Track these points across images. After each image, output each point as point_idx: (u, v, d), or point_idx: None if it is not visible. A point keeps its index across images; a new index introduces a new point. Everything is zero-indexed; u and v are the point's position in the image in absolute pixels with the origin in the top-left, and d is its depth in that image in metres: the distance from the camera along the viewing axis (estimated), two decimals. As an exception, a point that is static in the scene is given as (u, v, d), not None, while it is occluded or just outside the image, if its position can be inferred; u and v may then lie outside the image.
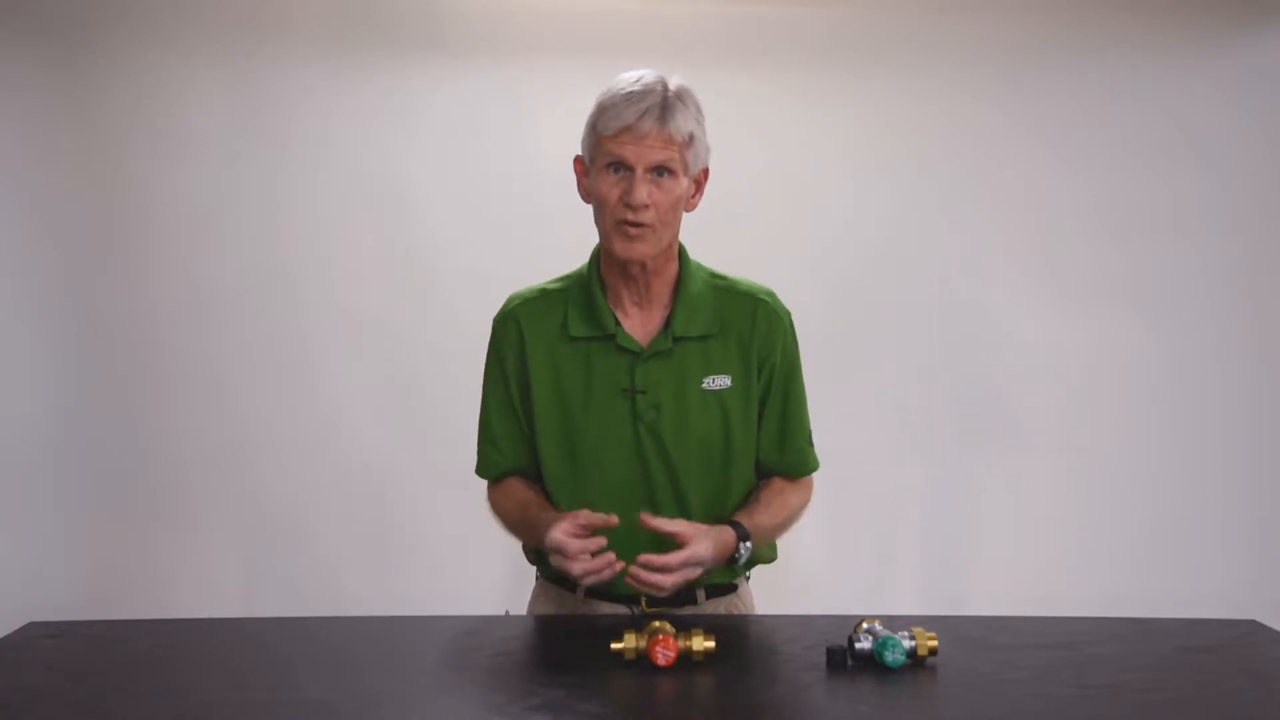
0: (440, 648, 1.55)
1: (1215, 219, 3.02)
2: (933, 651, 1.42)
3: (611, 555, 1.51)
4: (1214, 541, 3.00)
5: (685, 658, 1.40)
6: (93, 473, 2.89)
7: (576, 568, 1.51)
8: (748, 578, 1.79)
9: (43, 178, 2.86)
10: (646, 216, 1.58)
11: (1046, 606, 1.80)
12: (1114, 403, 3.02)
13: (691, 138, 1.59)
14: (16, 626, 1.59)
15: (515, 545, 1.82)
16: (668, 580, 1.52)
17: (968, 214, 3.01)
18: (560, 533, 1.52)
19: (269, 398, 2.91)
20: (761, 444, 1.72)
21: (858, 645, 1.42)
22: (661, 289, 1.68)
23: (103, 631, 1.61)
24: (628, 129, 1.56)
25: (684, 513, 1.65)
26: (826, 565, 2.88)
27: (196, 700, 1.32)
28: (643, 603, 1.66)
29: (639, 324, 1.68)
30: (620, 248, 1.60)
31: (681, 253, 1.70)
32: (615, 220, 1.59)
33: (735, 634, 1.59)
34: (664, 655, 1.38)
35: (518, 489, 1.74)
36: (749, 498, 1.72)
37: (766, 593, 1.83)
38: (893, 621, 1.46)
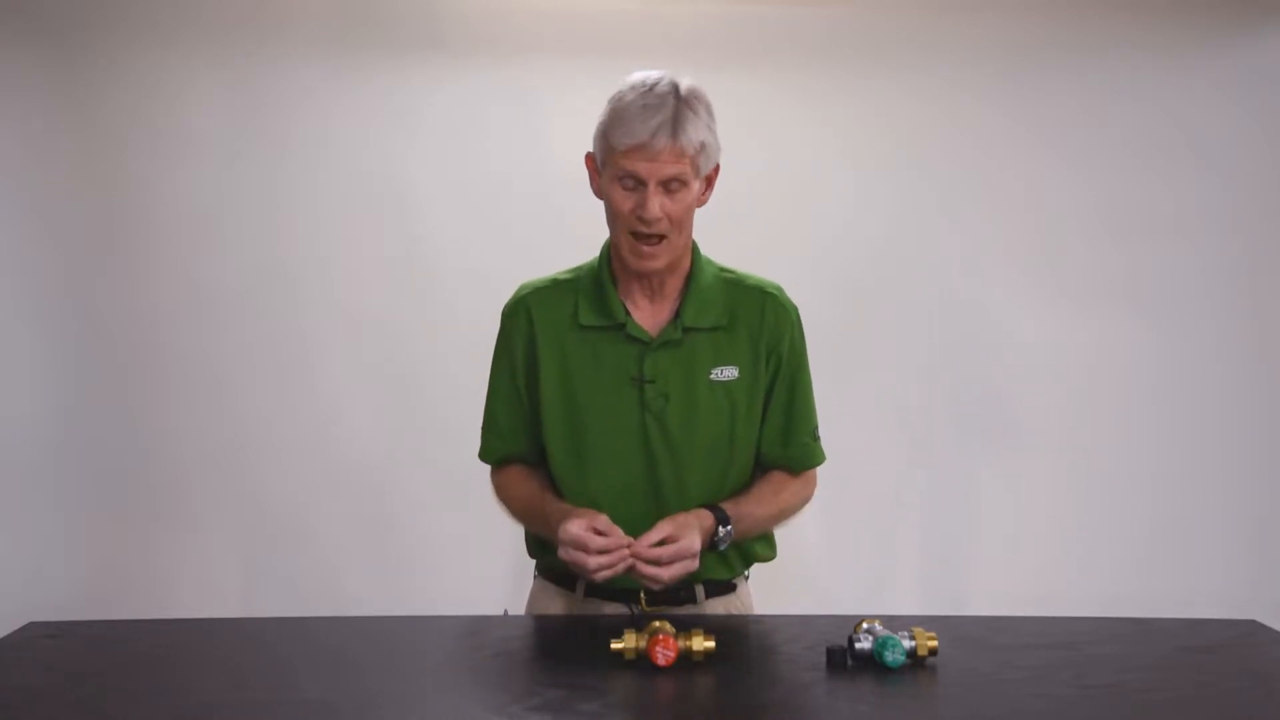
0: (440, 648, 1.55)
1: (1215, 219, 3.02)
2: (933, 651, 1.42)
3: (625, 551, 1.52)
4: (1214, 541, 3.01)
5: (685, 658, 1.40)
6: (93, 473, 2.89)
7: (593, 562, 1.52)
8: (746, 577, 1.79)
9: (43, 178, 2.86)
10: (660, 228, 1.59)
11: (1046, 606, 1.80)
12: (1114, 403, 3.02)
13: (703, 145, 1.59)
14: (16, 626, 1.59)
15: (515, 545, 1.82)
16: (664, 574, 1.53)
17: (968, 214, 3.01)
18: (578, 528, 1.54)
19: (269, 398, 2.91)
20: (765, 436, 1.73)
21: (858, 645, 1.42)
22: (672, 282, 1.69)
23: (103, 631, 1.61)
24: (640, 147, 1.55)
25: (685, 501, 1.65)
26: (826, 565, 2.89)
27: (196, 700, 1.32)
28: (642, 601, 1.66)
29: (649, 314, 1.69)
30: (634, 262, 1.63)
31: (693, 247, 1.72)
32: (628, 231, 1.61)
33: (735, 634, 1.59)
34: (664, 655, 1.38)
35: (525, 477, 1.75)
36: (751, 485, 1.73)
37: (766, 592, 1.83)
38: (893, 621, 1.46)
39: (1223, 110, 3.01)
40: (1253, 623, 1.65)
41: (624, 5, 2.91)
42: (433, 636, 1.60)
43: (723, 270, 1.74)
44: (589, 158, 1.68)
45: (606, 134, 1.59)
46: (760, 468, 1.76)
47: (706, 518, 1.62)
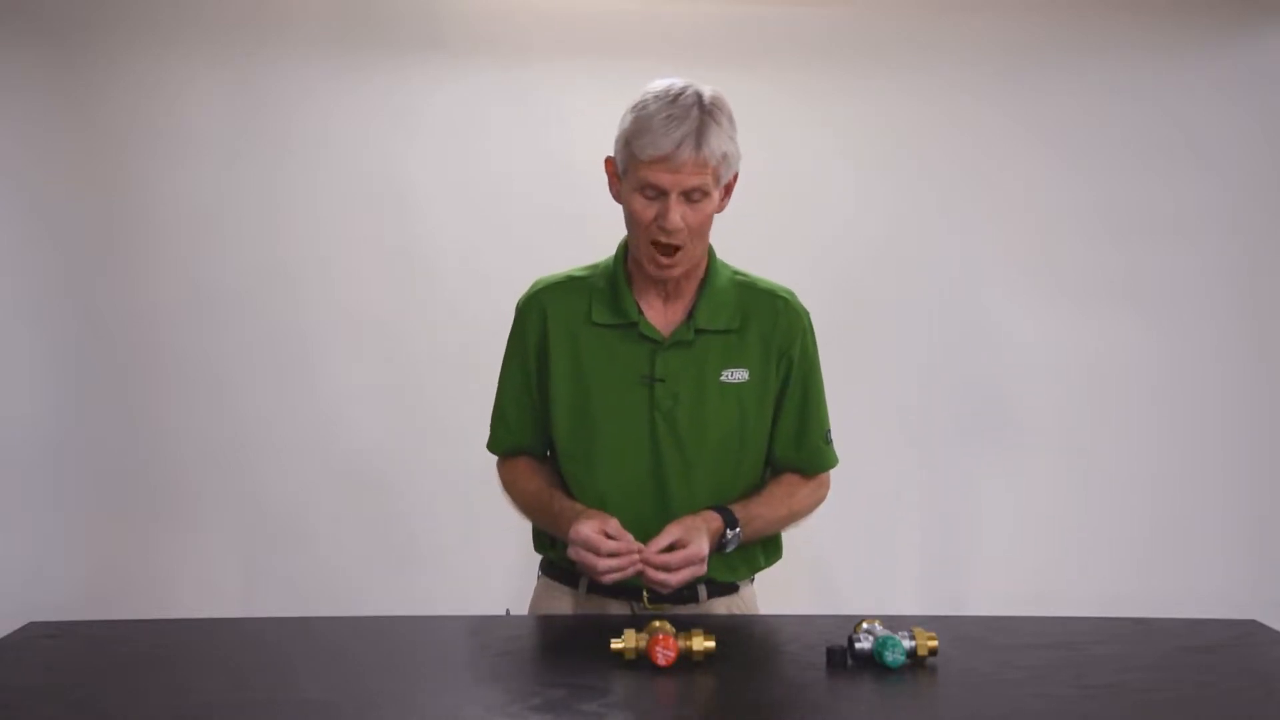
0: (440, 647, 1.55)
1: (1215, 219, 3.02)
2: (933, 651, 1.42)
3: (635, 556, 1.54)
4: (1214, 541, 3.01)
5: (685, 658, 1.40)
6: (93, 473, 2.89)
7: (602, 564, 1.53)
8: (751, 580, 1.79)
9: (43, 178, 2.86)
10: (680, 238, 1.60)
11: (1046, 606, 1.81)
12: (1114, 403, 3.02)
13: (725, 156, 1.59)
14: (16, 626, 1.59)
15: (517, 543, 1.82)
16: (672, 579, 1.54)
17: (968, 214, 3.01)
18: (590, 530, 1.55)
19: (269, 398, 2.91)
20: (778, 439, 1.74)
21: (858, 645, 1.42)
22: (687, 283, 1.70)
23: (103, 631, 1.60)
24: (665, 159, 1.55)
25: (692, 500, 1.66)
26: (827, 565, 2.89)
27: (196, 700, 1.32)
28: (645, 600, 1.66)
29: (661, 314, 1.70)
30: (653, 271, 1.64)
31: (709, 249, 1.72)
32: (648, 240, 1.61)
33: (735, 634, 1.59)
34: (664, 655, 1.38)
35: (532, 471, 1.76)
36: (763, 487, 1.74)
37: (767, 592, 1.83)
38: (893, 621, 1.46)
39: (1223, 110, 3.01)
40: (1253, 623, 1.65)
41: (624, 5, 2.91)
42: (433, 636, 1.60)
43: (737, 273, 1.75)
44: (609, 161, 1.67)
45: (629, 143, 1.58)
46: (773, 470, 1.78)
47: (715, 520, 1.63)
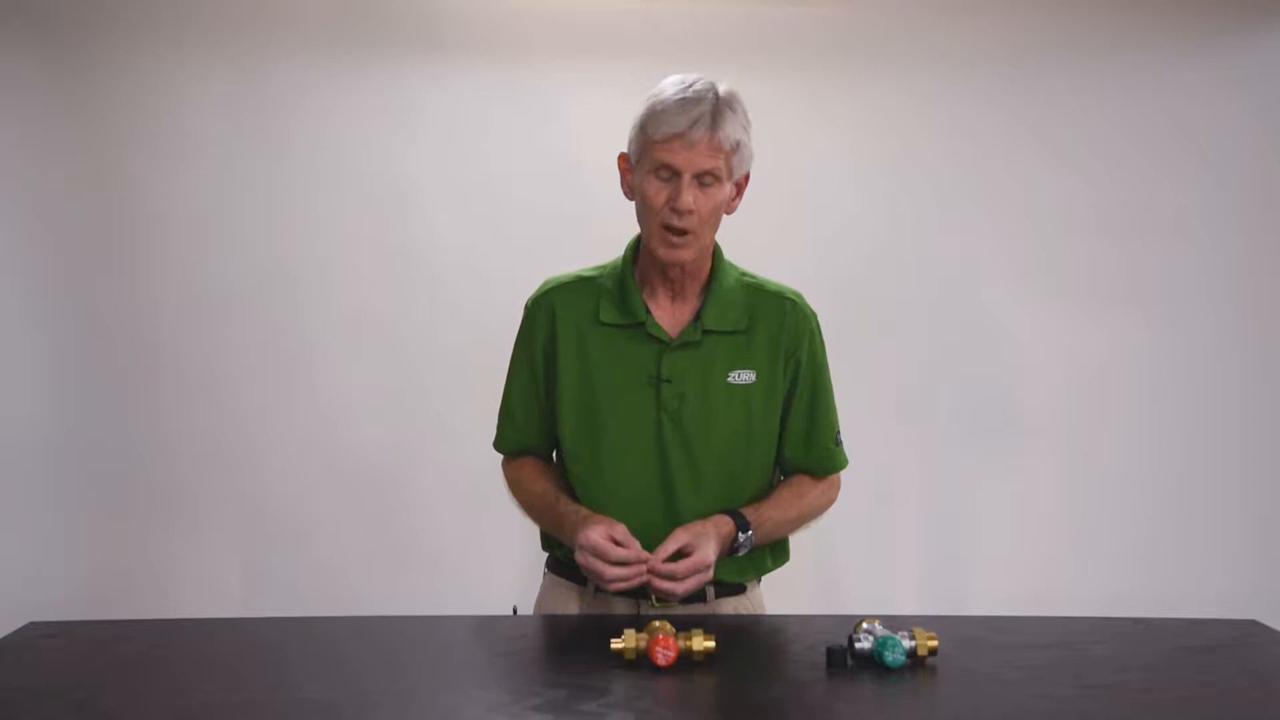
0: (441, 647, 1.55)
1: (1215, 219, 3.02)
2: (933, 651, 1.42)
3: (642, 567, 1.55)
4: (1214, 541, 3.01)
5: (685, 658, 1.40)
6: (93, 473, 2.89)
7: (610, 573, 1.54)
8: (758, 581, 1.79)
9: (43, 178, 2.86)
10: (690, 222, 1.60)
11: (1047, 606, 1.81)
12: (1114, 402, 3.02)
13: (738, 145, 1.61)
14: (16, 626, 1.59)
15: (522, 542, 1.82)
16: (679, 588, 1.55)
17: (968, 214, 3.01)
18: (598, 535, 1.56)
19: (269, 398, 2.91)
20: (788, 441, 1.74)
21: (858, 645, 1.42)
22: (695, 283, 1.71)
23: (103, 631, 1.60)
24: (679, 136, 1.57)
25: (699, 502, 1.66)
26: (827, 565, 2.89)
27: (196, 700, 1.32)
28: (652, 599, 1.66)
29: (669, 315, 1.70)
30: (663, 252, 1.63)
31: (716, 250, 1.73)
32: (660, 224, 1.61)
33: (735, 634, 1.59)
34: (664, 655, 1.38)
35: (539, 473, 1.77)
36: (774, 490, 1.75)
37: (768, 592, 1.83)
38: (893, 621, 1.46)
39: (1223, 110, 3.01)
40: (1253, 623, 1.65)
41: (624, 5, 2.91)
42: (433, 636, 1.60)
43: (744, 275, 1.75)
44: (622, 158, 1.68)
45: (644, 127, 1.60)
46: (783, 472, 1.78)
47: (725, 524, 1.63)
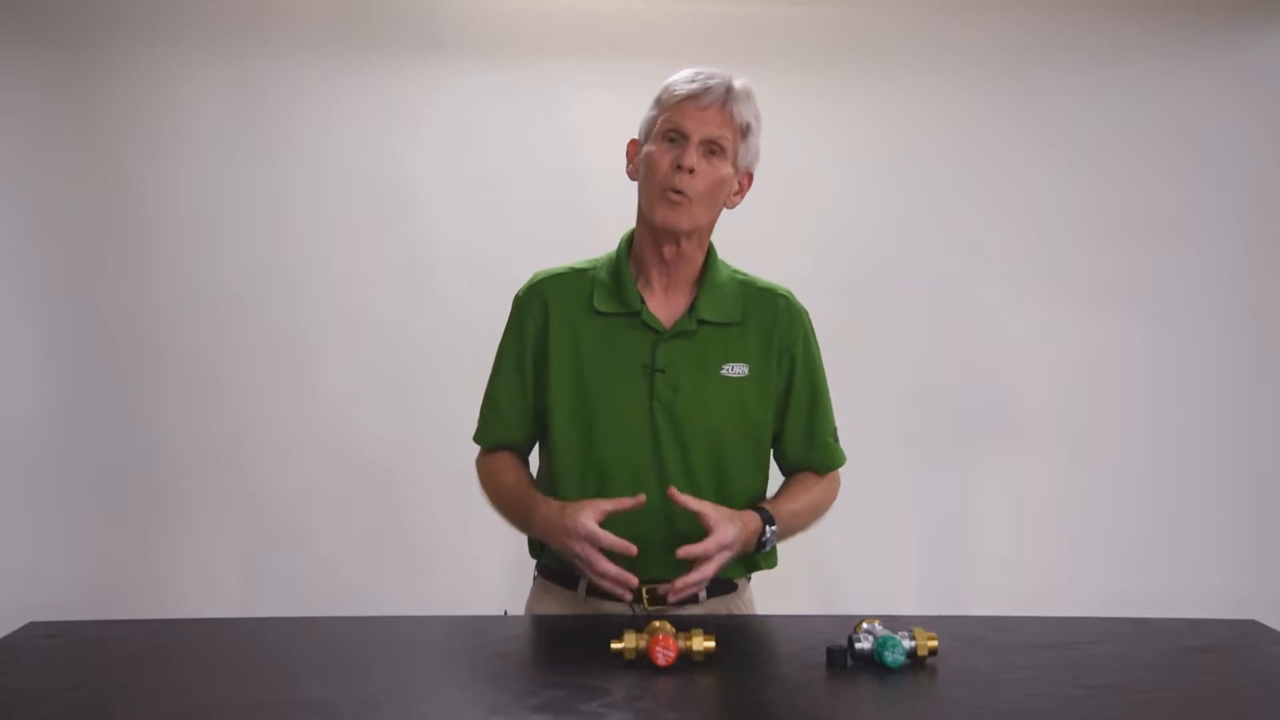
0: (440, 648, 1.55)
1: (1215, 219, 3.02)
2: (933, 651, 1.42)
3: (633, 578, 1.55)
4: (1214, 541, 3.01)
5: (685, 658, 1.40)
6: (93, 473, 2.89)
7: (601, 566, 1.54)
8: (748, 578, 1.79)
9: (43, 178, 2.86)
10: (691, 185, 1.61)
11: (1046, 606, 1.80)
12: (1114, 402, 3.02)
13: (748, 128, 1.65)
14: (16, 626, 1.59)
15: (515, 545, 1.82)
16: (710, 569, 1.55)
17: (968, 214, 3.01)
18: (592, 523, 1.55)
19: (269, 398, 2.91)
20: (789, 439, 1.75)
21: (858, 645, 1.42)
22: (689, 274, 1.71)
23: (103, 631, 1.60)
24: (693, 98, 1.62)
25: (691, 493, 1.65)
26: (827, 565, 2.89)
27: (196, 700, 1.32)
28: (644, 600, 1.66)
29: (664, 305, 1.70)
30: (662, 213, 1.63)
31: (710, 246, 1.74)
32: (662, 188, 1.62)
33: (735, 634, 1.59)
34: (664, 655, 1.38)
35: (513, 465, 1.76)
36: (779, 488, 1.75)
37: (767, 592, 1.83)
38: (893, 621, 1.46)
39: (1223, 110, 3.01)
40: (1253, 623, 1.65)
41: (624, 5, 2.91)
42: (433, 636, 1.60)
43: (736, 272, 1.76)
44: (632, 143, 1.71)
45: (659, 99, 1.66)
46: (785, 470, 1.79)
47: (754, 519, 1.63)
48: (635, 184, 1.70)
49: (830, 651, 1.42)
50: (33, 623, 1.61)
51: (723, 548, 1.56)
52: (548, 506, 1.63)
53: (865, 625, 1.44)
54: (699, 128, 1.61)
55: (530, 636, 1.63)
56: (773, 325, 1.71)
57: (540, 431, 1.76)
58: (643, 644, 1.40)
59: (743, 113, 1.64)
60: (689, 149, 1.61)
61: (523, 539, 1.80)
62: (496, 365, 1.77)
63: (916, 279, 3.01)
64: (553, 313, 1.71)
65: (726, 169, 1.64)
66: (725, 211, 1.72)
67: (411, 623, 1.65)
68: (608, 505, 1.57)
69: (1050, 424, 3.01)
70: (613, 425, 1.67)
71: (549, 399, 1.70)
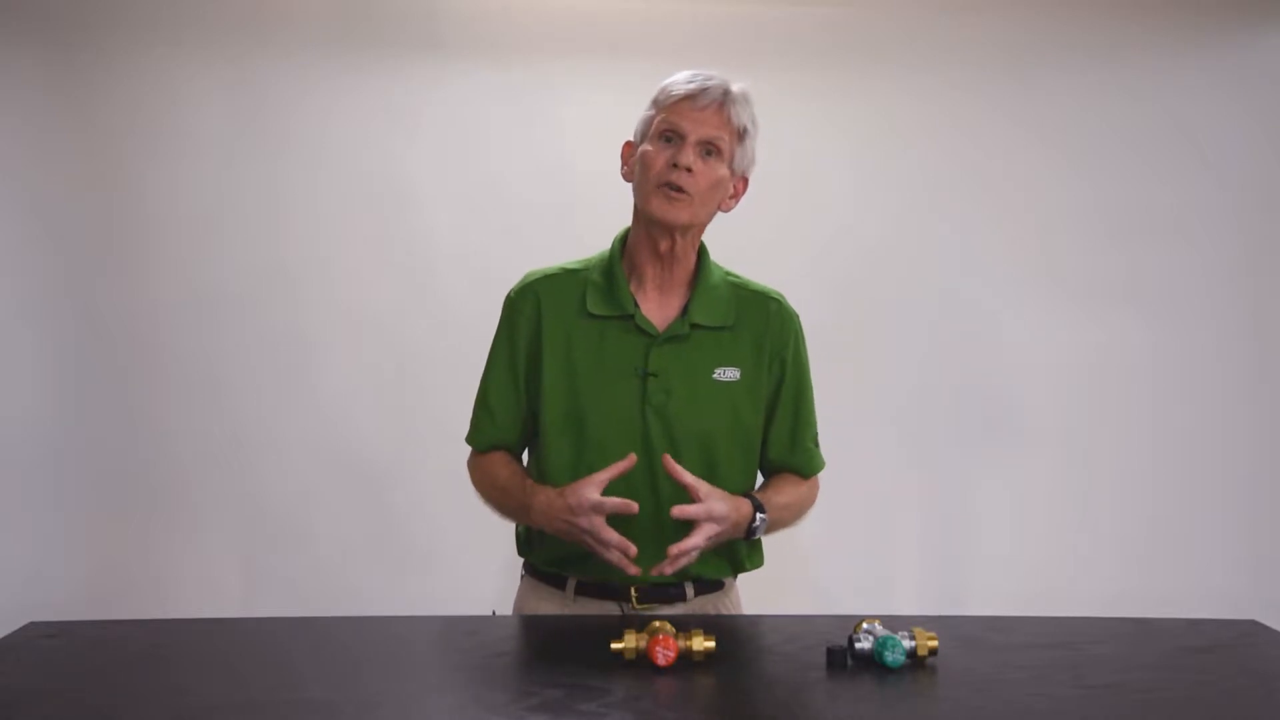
0: (440, 648, 1.55)
1: (1215, 219, 3.02)
2: (933, 651, 1.42)
3: (632, 546, 1.54)
4: (1214, 541, 3.00)
5: (685, 658, 1.40)
6: (93, 473, 2.89)
7: (606, 534, 1.54)
8: (735, 578, 1.79)
9: (43, 178, 2.86)
10: (688, 181, 1.61)
11: (1046, 606, 1.81)
12: (1114, 402, 3.02)
13: (745, 131, 1.65)
14: (16, 626, 1.59)
15: (507, 545, 1.82)
16: (699, 539, 1.54)
17: (968, 214, 3.01)
18: (596, 493, 1.54)
19: (269, 398, 2.91)
20: (773, 443, 1.75)
21: (858, 645, 1.42)
22: (682, 276, 1.71)
23: (103, 631, 1.60)
24: (690, 98, 1.62)
25: (681, 496, 1.64)
26: (826, 565, 2.89)
27: (196, 700, 1.32)
28: (633, 600, 1.66)
29: (657, 308, 1.70)
30: (658, 206, 1.63)
31: (702, 248, 1.74)
32: (658, 184, 1.62)
33: (735, 634, 1.59)
34: (664, 655, 1.38)
35: (506, 462, 1.75)
36: (763, 484, 1.76)
37: (766, 592, 1.84)
38: (893, 621, 1.46)
39: (1223, 110, 3.01)
40: (1253, 623, 1.65)
41: (624, 5, 2.91)
42: (432, 636, 1.60)
43: (728, 274, 1.76)
44: (626, 145, 1.71)
45: (656, 99, 1.66)
46: (766, 473, 1.79)
47: (745, 503, 1.64)
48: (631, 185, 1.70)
49: (830, 651, 1.42)
50: (33, 623, 1.61)
51: (712, 517, 1.56)
52: (545, 493, 1.63)
53: (865, 625, 1.44)
54: (695, 128, 1.61)
55: (530, 636, 1.63)
56: (764, 329, 1.71)
57: (532, 432, 1.76)
58: (643, 644, 1.40)
59: (740, 116, 1.64)
60: (686, 148, 1.61)
61: (512, 539, 1.80)
62: (489, 366, 1.77)
63: (916, 279, 3.00)
64: (545, 314, 1.70)
65: (723, 170, 1.64)
66: (726, 212, 1.71)
67: (412, 622, 1.66)
68: (602, 475, 1.56)
69: (1050, 424, 3.01)
70: (604, 429, 1.67)
71: (541, 401, 1.70)
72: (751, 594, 1.83)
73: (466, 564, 2.84)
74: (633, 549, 1.54)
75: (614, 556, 1.55)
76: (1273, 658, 1.53)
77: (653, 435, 1.66)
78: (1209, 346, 3.02)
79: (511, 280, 1.78)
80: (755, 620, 1.72)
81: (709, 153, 1.63)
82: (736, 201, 1.71)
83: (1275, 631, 1.62)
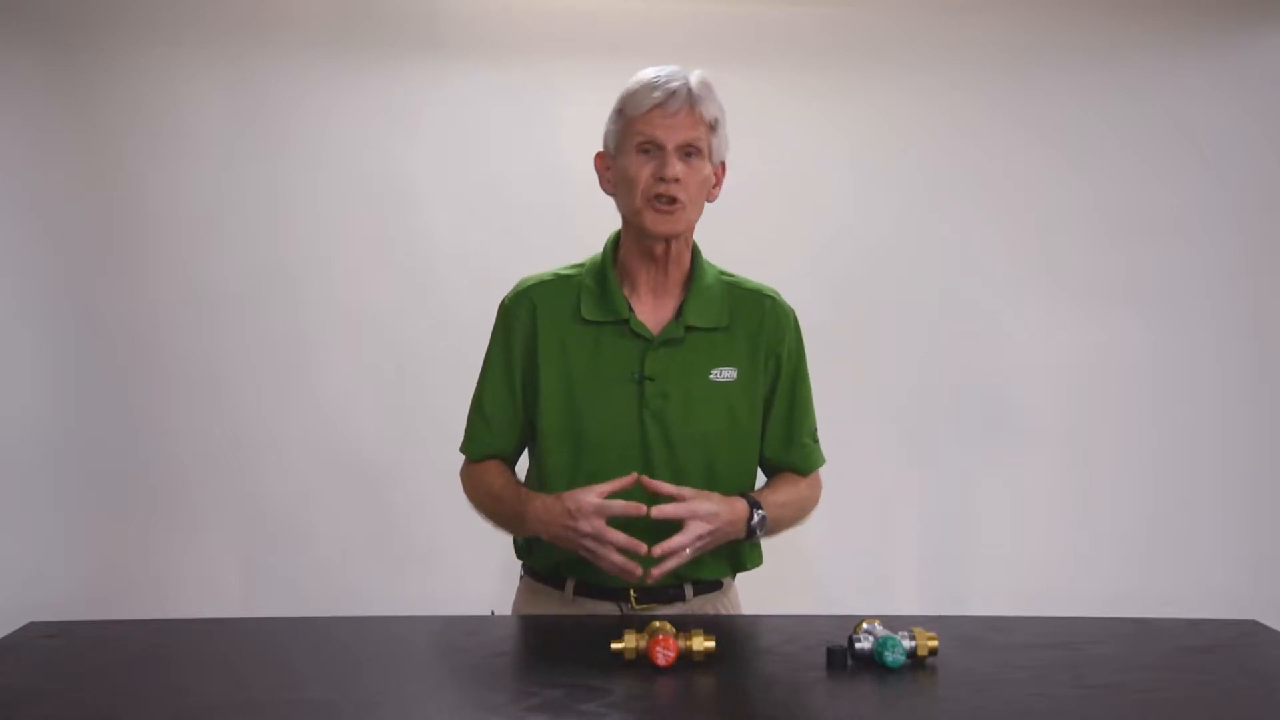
0: (440, 648, 1.55)
1: (1215, 219, 3.02)
2: (933, 651, 1.42)
3: (641, 545, 1.53)
4: (1214, 541, 3.01)
5: (685, 658, 1.40)
6: (93, 473, 2.89)
7: (611, 535, 1.53)
8: (734, 577, 1.79)
9: (43, 178, 2.86)
10: (679, 191, 1.60)
11: (1046, 605, 1.81)
12: (1114, 402, 3.02)
13: (716, 121, 1.64)
14: (16, 626, 1.59)
15: (505, 545, 1.82)
16: (686, 538, 1.54)
17: (968, 214, 3.01)
18: (594, 496, 1.54)
19: (269, 398, 2.91)
20: (769, 440, 1.74)
21: (858, 645, 1.42)
22: (676, 278, 1.70)
23: (103, 631, 1.60)
24: (659, 107, 1.60)
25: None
26: (826, 565, 2.89)
27: (196, 700, 1.32)
28: (632, 600, 1.66)
29: (651, 311, 1.70)
30: (652, 220, 1.62)
31: (695, 248, 1.73)
32: (647, 197, 1.62)
33: (735, 634, 1.59)
34: (664, 655, 1.38)
35: (499, 473, 1.74)
36: (763, 485, 1.75)
37: (766, 592, 1.83)
38: (893, 621, 1.46)
39: (1223, 110, 3.01)
40: (1253, 623, 1.65)
41: (624, 5, 2.91)
42: (432, 636, 1.60)
43: (722, 273, 1.75)
44: (598, 156, 1.70)
45: (623, 109, 1.63)
46: (765, 471, 1.78)
47: (739, 502, 1.63)
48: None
49: (830, 651, 1.42)
50: (33, 623, 1.61)
51: (697, 515, 1.55)
52: (541, 499, 1.62)
53: (865, 625, 1.44)
54: (672, 135, 1.60)
55: (530, 636, 1.63)
56: (759, 327, 1.71)
57: (527, 440, 1.75)
58: (643, 644, 1.40)
59: (710, 109, 1.63)
60: (669, 159, 1.60)
61: (508, 540, 1.80)
62: (484, 374, 1.75)
63: (916, 279, 3.00)
64: (541, 320, 1.69)
65: (705, 167, 1.64)
66: (725, 212, 1.71)
67: (412, 622, 1.66)
68: (602, 487, 1.56)
69: (1050, 424, 3.01)
70: (603, 434, 1.66)
71: (538, 409, 1.69)
72: (751, 594, 1.83)
73: (466, 564, 2.84)
74: (642, 547, 1.53)
75: (617, 560, 1.54)
76: (1273, 658, 1.53)
77: (651, 439, 1.66)
78: (1209, 346, 3.02)
79: (511, 280, 1.78)
80: (755, 620, 1.72)
81: (689, 154, 1.62)
82: (719, 189, 1.70)
83: (1275, 631, 1.62)
